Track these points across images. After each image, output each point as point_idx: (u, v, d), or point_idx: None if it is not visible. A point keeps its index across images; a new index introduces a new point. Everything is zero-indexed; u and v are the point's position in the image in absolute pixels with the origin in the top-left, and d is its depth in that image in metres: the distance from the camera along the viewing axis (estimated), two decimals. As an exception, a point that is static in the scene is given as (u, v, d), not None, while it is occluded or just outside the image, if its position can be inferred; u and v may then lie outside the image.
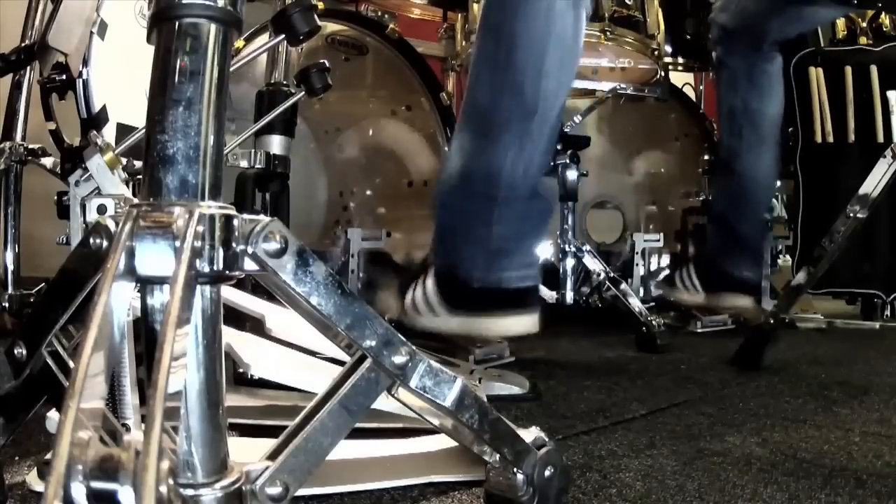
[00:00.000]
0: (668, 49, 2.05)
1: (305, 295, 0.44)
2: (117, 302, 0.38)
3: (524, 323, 1.10)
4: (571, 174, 1.74)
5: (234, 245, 0.41)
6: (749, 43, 1.65)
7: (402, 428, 0.75)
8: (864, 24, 2.10)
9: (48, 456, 0.51)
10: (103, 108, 1.30)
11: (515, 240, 1.11)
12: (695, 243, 2.12)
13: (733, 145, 1.73)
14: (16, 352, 0.49)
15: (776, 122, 1.70)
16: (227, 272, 0.41)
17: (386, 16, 2.00)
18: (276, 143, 1.26)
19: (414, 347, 0.48)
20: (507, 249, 1.10)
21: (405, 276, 1.28)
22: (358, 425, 0.47)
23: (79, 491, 0.31)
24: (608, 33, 1.67)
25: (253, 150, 1.23)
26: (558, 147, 1.73)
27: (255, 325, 0.88)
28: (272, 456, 0.43)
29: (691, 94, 2.49)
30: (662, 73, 2.00)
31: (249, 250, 0.42)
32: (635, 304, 1.63)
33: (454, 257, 1.12)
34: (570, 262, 1.80)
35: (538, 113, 1.09)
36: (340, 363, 0.52)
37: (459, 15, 1.97)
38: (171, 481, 0.31)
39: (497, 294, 1.09)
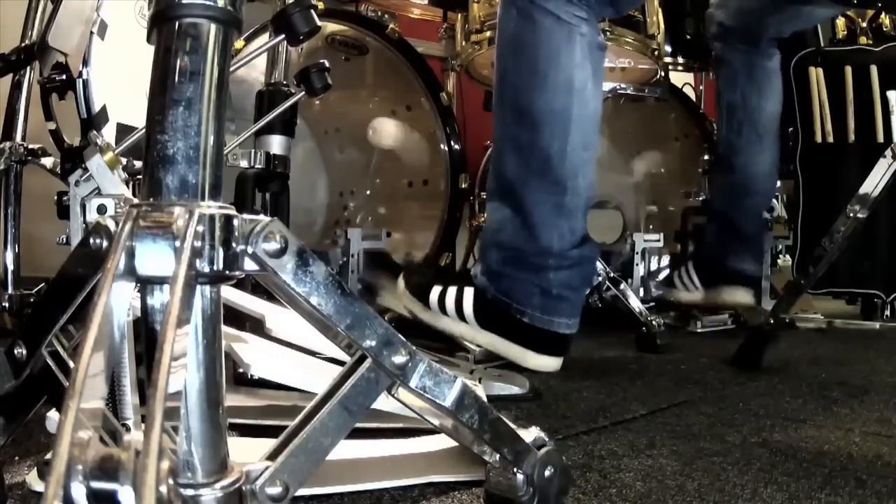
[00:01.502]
0: (668, 49, 2.05)
1: (305, 295, 0.44)
2: (117, 302, 0.38)
3: (553, 364, 1.18)
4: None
5: (234, 245, 0.41)
6: (747, 40, 1.66)
7: (402, 428, 0.75)
8: (864, 24, 2.10)
9: (48, 456, 0.51)
10: (103, 108, 1.30)
11: (567, 295, 1.17)
12: (695, 243, 2.12)
13: (733, 141, 1.73)
14: (16, 352, 0.49)
15: (775, 118, 1.70)
16: (227, 272, 0.41)
17: (386, 16, 2.00)
18: (276, 143, 1.26)
19: (414, 347, 0.48)
20: (559, 301, 1.16)
21: (412, 269, 1.30)
22: (358, 425, 0.47)
23: (79, 491, 0.31)
24: (608, 33, 1.67)
25: (253, 150, 1.23)
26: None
27: (255, 325, 0.88)
28: (272, 456, 0.43)
29: (691, 94, 2.49)
30: (662, 73, 2.00)
31: (249, 250, 0.42)
32: (635, 304, 1.63)
33: (506, 293, 1.17)
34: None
35: (569, 189, 1.14)
36: (340, 363, 0.52)
37: (459, 15, 1.97)
38: (171, 481, 0.31)
39: (542, 334, 1.16)
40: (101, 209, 0.74)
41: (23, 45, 1.42)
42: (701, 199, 2.15)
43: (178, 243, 0.38)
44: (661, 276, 2.02)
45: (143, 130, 0.43)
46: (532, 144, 1.13)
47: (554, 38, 1.11)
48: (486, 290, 1.18)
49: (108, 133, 1.30)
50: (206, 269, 0.39)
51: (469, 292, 1.20)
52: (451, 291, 1.22)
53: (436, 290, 1.23)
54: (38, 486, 0.60)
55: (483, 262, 1.21)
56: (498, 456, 0.55)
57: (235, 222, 0.41)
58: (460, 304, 1.20)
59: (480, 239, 1.30)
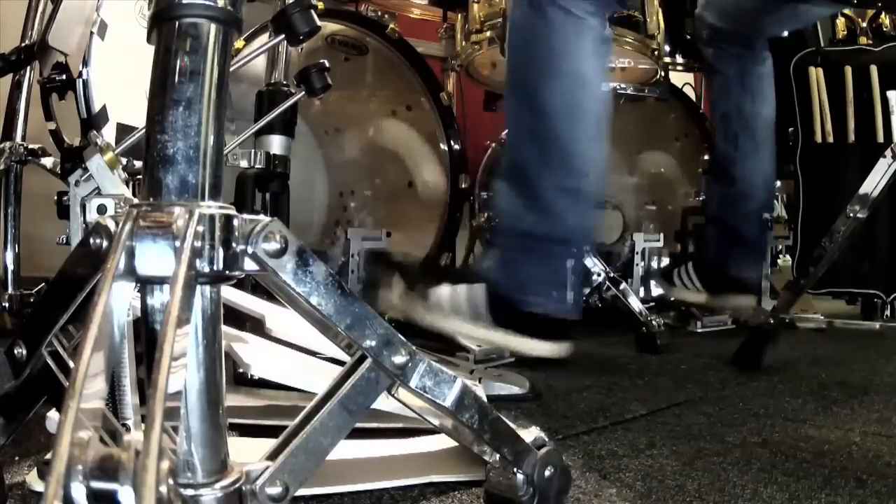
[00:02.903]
0: (668, 49, 2.05)
1: (305, 295, 0.44)
2: (117, 302, 0.38)
3: (562, 350, 1.20)
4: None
5: (234, 245, 0.41)
6: (740, 42, 1.65)
7: (402, 428, 0.75)
8: (864, 24, 2.10)
9: (48, 456, 0.51)
10: (103, 108, 1.31)
11: (573, 280, 1.19)
12: (695, 243, 2.12)
13: (729, 152, 1.73)
14: (16, 352, 0.49)
15: (770, 124, 1.70)
16: (227, 272, 0.41)
17: (386, 16, 2.00)
18: (276, 143, 1.26)
19: (414, 347, 0.48)
20: (567, 288, 1.18)
21: (408, 270, 1.30)
22: (358, 425, 0.47)
23: (79, 491, 0.31)
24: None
25: (253, 150, 1.23)
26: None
27: (255, 325, 0.88)
28: (272, 456, 0.43)
29: (691, 94, 2.49)
30: (662, 73, 2.00)
31: (249, 250, 0.42)
32: (635, 304, 1.63)
33: (517, 283, 1.17)
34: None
35: (584, 178, 1.17)
36: (340, 363, 0.52)
37: (459, 15, 1.97)
38: (171, 481, 0.31)
39: (555, 322, 1.17)
40: (101, 209, 0.74)
41: (23, 45, 1.42)
42: (701, 199, 2.15)
43: (178, 243, 0.38)
44: (661, 273, 2.02)
45: (143, 130, 0.43)
46: (548, 136, 1.15)
47: (564, 32, 1.13)
48: (497, 285, 1.19)
49: (108, 133, 1.30)
50: (206, 269, 0.39)
51: (480, 289, 1.20)
52: (462, 289, 1.21)
53: (443, 290, 1.22)
54: (38, 486, 0.60)
55: (494, 250, 1.23)
56: (498, 456, 0.55)
57: (235, 222, 0.41)
58: (475, 303, 1.20)
59: (487, 232, 1.31)
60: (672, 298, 1.91)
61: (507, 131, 1.25)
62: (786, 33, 1.76)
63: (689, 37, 2.12)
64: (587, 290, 1.81)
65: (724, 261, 1.76)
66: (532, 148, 1.18)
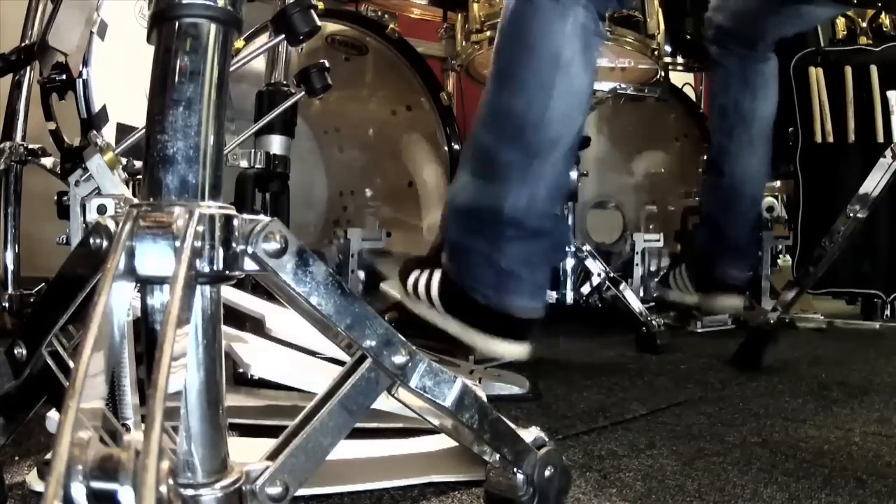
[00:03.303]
0: (668, 49, 2.04)
1: (305, 295, 0.44)
2: (117, 302, 0.38)
3: (516, 351, 1.11)
4: (571, 174, 1.74)
5: (234, 245, 0.41)
6: (745, 43, 1.65)
7: (402, 428, 0.75)
8: (864, 24, 2.10)
9: (48, 456, 0.51)
10: (103, 108, 1.30)
11: (523, 271, 1.11)
12: (687, 245, 2.12)
13: (723, 144, 1.72)
14: (16, 352, 0.49)
15: (768, 123, 1.70)
16: (227, 272, 0.41)
17: (386, 16, 2.00)
18: (276, 143, 1.26)
19: (414, 347, 0.48)
20: (514, 279, 1.10)
21: (412, 259, 1.29)
22: (358, 425, 0.47)
23: (79, 491, 0.31)
24: (608, 33, 1.67)
25: (253, 150, 1.23)
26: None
27: (255, 325, 0.88)
28: (272, 456, 0.43)
29: (691, 94, 2.49)
30: (662, 73, 1.99)
31: (249, 250, 0.42)
32: (635, 304, 1.63)
33: (463, 273, 1.13)
34: (570, 262, 1.80)
35: (538, 157, 1.10)
36: (340, 363, 0.52)
37: (459, 15, 1.97)
38: (171, 481, 0.31)
39: (498, 318, 1.10)
40: (101, 209, 0.74)
41: (23, 45, 1.42)
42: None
43: (178, 243, 0.38)
44: (659, 275, 2.02)
45: (143, 130, 0.43)
46: (510, 108, 1.11)
47: (546, 14, 1.11)
48: (448, 272, 1.14)
49: (108, 133, 1.30)
50: (206, 269, 0.39)
51: (437, 275, 1.16)
52: (424, 275, 1.19)
53: (413, 275, 1.22)
54: (38, 486, 0.60)
55: (446, 239, 1.18)
56: (498, 456, 0.55)
57: (235, 222, 0.41)
58: (429, 289, 1.17)
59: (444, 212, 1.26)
60: (667, 299, 1.91)
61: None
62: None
63: (689, 37, 2.12)
64: (587, 290, 1.81)
65: (712, 259, 1.75)
66: (493, 123, 1.13)
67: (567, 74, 1.11)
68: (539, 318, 1.14)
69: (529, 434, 0.57)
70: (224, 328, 0.41)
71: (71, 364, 0.46)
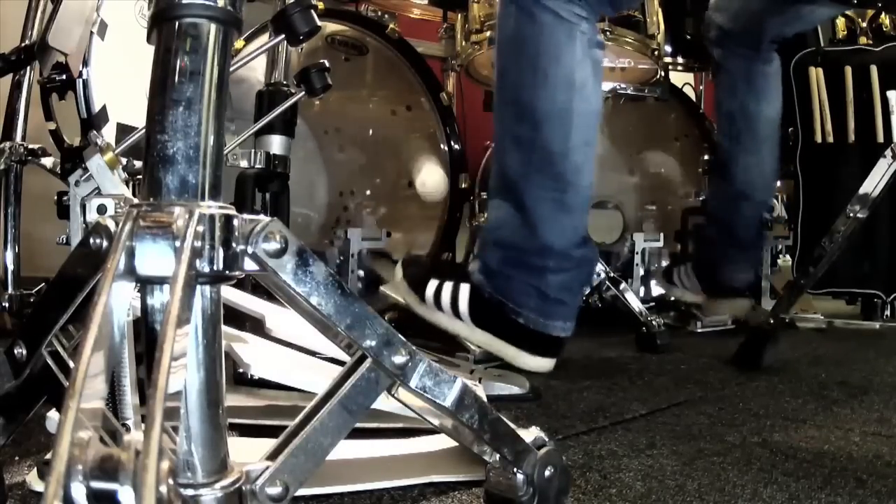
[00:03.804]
0: (668, 49, 2.04)
1: (305, 295, 0.44)
2: (117, 302, 0.38)
3: (546, 365, 1.17)
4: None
5: (234, 245, 0.41)
6: (747, 43, 1.65)
7: (402, 428, 0.75)
8: (864, 24, 2.10)
9: (48, 456, 0.51)
10: (103, 108, 1.30)
11: (566, 296, 1.16)
12: (694, 243, 2.12)
13: (731, 149, 1.73)
14: (16, 352, 0.49)
15: (774, 124, 1.70)
16: (227, 272, 0.41)
17: (386, 16, 2.00)
18: (276, 143, 1.26)
19: (414, 347, 0.48)
20: (557, 304, 1.15)
21: (410, 259, 1.29)
22: (358, 425, 0.47)
23: (79, 491, 0.31)
24: (608, 33, 1.67)
25: (253, 150, 1.23)
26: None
27: (255, 325, 0.88)
28: (272, 456, 0.43)
29: (691, 94, 2.49)
30: (662, 73, 2.00)
31: (249, 250, 0.42)
32: (635, 304, 1.63)
33: (505, 295, 1.16)
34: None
35: (570, 186, 1.13)
36: (340, 363, 0.52)
37: (459, 15, 1.97)
38: (171, 481, 0.31)
39: (537, 336, 1.15)
40: (101, 209, 0.74)
41: (23, 45, 1.42)
42: (701, 199, 2.15)
43: (178, 243, 0.38)
44: (662, 272, 2.02)
45: (143, 130, 0.43)
46: (534, 141, 1.13)
47: (554, 36, 1.11)
48: (482, 289, 1.17)
49: (108, 133, 1.30)
50: (206, 269, 0.39)
51: (465, 289, 1.19)
52: (448, 287, 1.21)
53: (432, 285, 1.22)
54: (38, 486, 0.60)
55: (481, 260, 1.20)
56: (498, 456, 0.55)
57: (235, 222, 0.41)
58: (456, 301, 1.19)
59: (480, 237, 1.28)
60: (671, 298, 1.91)
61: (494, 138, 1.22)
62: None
63: (689, 37, 2.12)
64: (587, 290, 1.81)
65: (720, 263, 1.76)
66: (517, 155, 1.15)
67: (583, 98, 1.12)
68: (569, 336, 1.19)
69: (529, 434, 0.57)
70: (224, 328, 0.41)
71: (71, 364, 0.46)
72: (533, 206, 1.13)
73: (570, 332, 1.18)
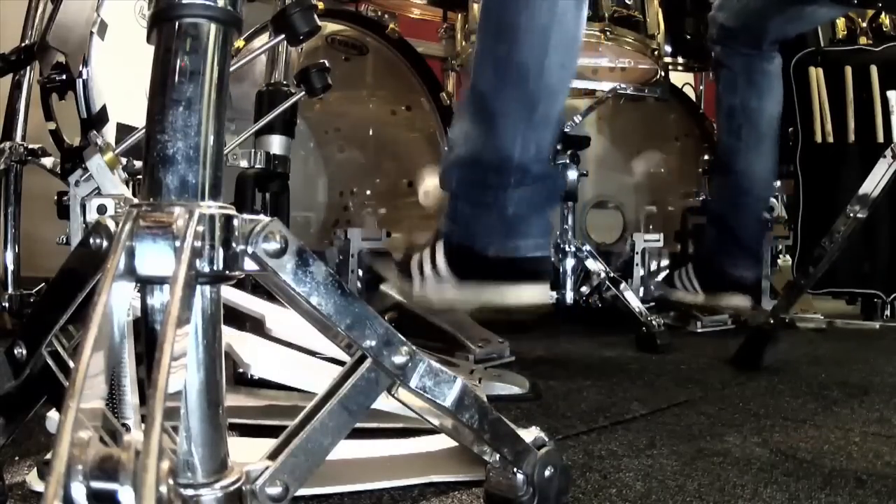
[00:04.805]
0: (668, 49, 2.05)
1: (305, 295, 0.44)
2: (117, 302, 0.38)
3: (537, 292, 1.12)
4: (571, 174, 1.74)
5: (234, 245, 0.41)
6: (748, 42, 1.65)
7: (402, 428, 0.75)
8: (864, 24, 2.10)
9: (48, 456, 0.51)
10: (103, 108, 1.30)
11: (529, 214, 1.12)
12: (695, 243, 2.12)
13: (731, 144, 1.73)
14: (16, 352, 0.49)
15: (775, 121, 1.70)
16: (227, 272, 0.41)
17: (386, 16, 2.00)
18: (276, 143, 1.26)
19: (414, 347, 0.48)
20: (521, 223, 1.11)
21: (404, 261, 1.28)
22: (358, 425, 0.47)
23: (79, 491, 0.31)
24: (608, 33, 1.67)
25: (253, 150, 1.23)
26: (558, 147, 1.73)
27: (255, 325, 0.88)
28: (272, 456, 0.43)
29: (691, 94, 2.49)
30: (662, 73, 2.00)
31: (249, 250, 0.42)
32: (635, 304, 1.63)
33: (468, 230, 1.12)
34: (570, 262, 1.80)
35: (541, 105, 1.11)
36: (340, 363, 0.52)
37: (459, 15, 1.97)
38: (171, 481, 0.31)
39: (512, 263, 1.11)
40: (101, 209, 0.74)
41: (23, 45, 1.43)
42: (701, 199, 2.15)
43: (178, 243, 0.38)
44: (662, 275, 2.02)
45: (143, 130, 0.43)
46: (509, 57, 1.11)
47: None
48: (451, 237, 1.14)
49: (108, 133, 1.30)
50: (206, 269, 0.39)
51: (440, 247, 1.15)
52: (426, 252, 1.17)
53: (414, 259, 1.21)
54: (38, 486, 0.60)
55: (443, 187, 1.18)
56: (498, 456, 0.55)
57: (235, 222, 0.41)
58: (435, 262, 1.15)
59: (441, 162, 1.25)
60: (672, 299, 1.91)
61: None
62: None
63: (689, 37, 2.12)
64: (587, 290, 1.82)
65: (721, 260, 1.75)
66: (492, 71, 1.13)
67: (562, 24, 1.11)
68: (549, 256, 1.15)
69: (529, 434, 0.57)
70: (224, 328, 0.41)
71: (71, 364, 0.46)
72: (499, 118, 1.11)
73: (546, 250, 1.16)
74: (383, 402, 0.49)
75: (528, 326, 1.69)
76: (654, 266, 2.01)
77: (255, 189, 1.23)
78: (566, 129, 1.85)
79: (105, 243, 0.42)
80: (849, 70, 1.75)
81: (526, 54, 1.11)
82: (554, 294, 1.79)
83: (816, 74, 1.79)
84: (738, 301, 1.74)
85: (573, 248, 1.79)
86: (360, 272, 1.63)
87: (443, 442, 0.72)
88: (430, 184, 1.96)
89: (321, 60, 1.20)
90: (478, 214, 1.12)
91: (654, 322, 1.55)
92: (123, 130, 1.29)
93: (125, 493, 0.31)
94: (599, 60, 1.90)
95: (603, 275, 1.71)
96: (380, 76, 1.99)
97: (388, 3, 2.17)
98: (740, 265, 1.73)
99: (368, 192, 2.01)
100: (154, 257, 0.39)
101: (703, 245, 1.97)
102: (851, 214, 1.27)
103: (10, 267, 1.44)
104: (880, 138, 1.69)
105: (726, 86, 1.73)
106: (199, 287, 0.39)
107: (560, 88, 1.14)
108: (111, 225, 0.42)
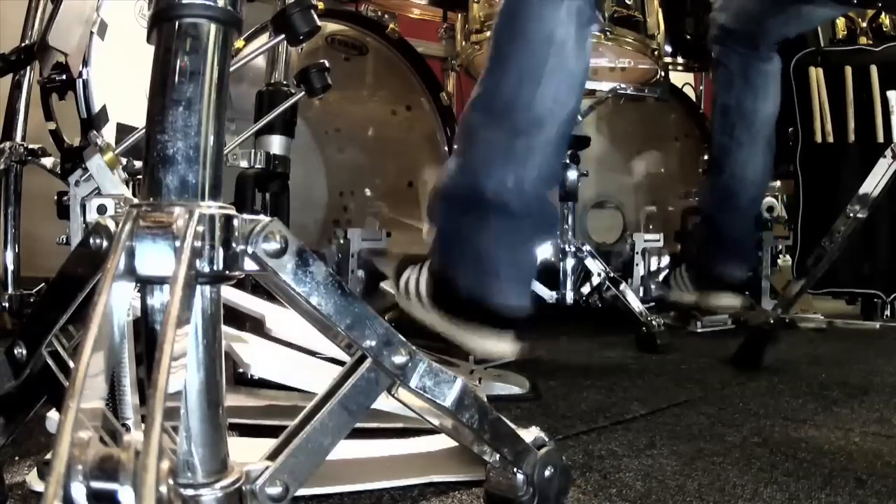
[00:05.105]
0: (668, 49, 2.05)
1: (305, 295, 0.44)
2: (117, 302, 0.38)
3: (502, 346, 1.04)
4: (571, 174, 1.74)
5: (234, 245, 0.41)
6: (748, 43, 1.65)
7: (402, 428, 0.75)
8: (864, 24, 2.10)
9: (48, 456, 0.51)
10: (103, 108, 1.30)
11: (506, 255, 1.06)
12: (687, 242, 2.12)
13: (724, 143, 1.72)
14: (16, 352, 0.49)
15: (770, 123, 1.70)
16: (227, 272, 0.41)
17: (386, 16, 2.00)
18: (276, 143, 1.26)
19: (414, 347, 0.48)
20: (497, 263, 1.05)
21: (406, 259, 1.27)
22: (358, 425, 0.47)
23: (79, 491, 0.31)
24: (608, 33, 1.67)
25: (253, 150, 1.23)
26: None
27: (255, 325, 0.88)
28: (272, 456, 0.43)
29: (691, 94, 2.49)
30: (662, 73, 2.00)
31: (249, 250, 0.42)
32: (635, 304, 1.63)
33: (448, 263, 1.08)
34: (570, 262, 1.80)
35: (524, 138, 1.06)
36: (340, 363, 0.52)
37: (459, 15, 1.97)
38: (171, 481, 0.31)
39: (479, 307, 1.03)
40: (101, 209, 0.74)
41: (23, 45, 1.42)
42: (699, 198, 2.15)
43: (178, 243, 0.38)
44: (662, 275, 2.02)
45: (143, 130, 0.43)
46: (499, 89, 1.08)
47: (544, 4, 1.10)
48: (433, 265, 1.09)
49: (108, 133, 1.30)
50: (206, 269, 0.39)
51: (425, 270, 1.12)
52: (415, 271, 1.14)
53: (406, 273, 1.18)
54: (38, 486, 0.60)
55: (436, 233, 1.13)
56: (498, 456, 0.55)
57: (235, 222, 0.41)
58: (418, 284, 1.12)
59: (429, 196, 1.22)
60: (668, 300, 1.90)
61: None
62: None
63: (689, 37, 2.12)
64: (587, 290, 1.81)
65: (709, 257, 1.75)
66: (484, 103, 1.10)
67: (560, 54, 1.08)
68: (525, 314, 1.06)
69: (529, 434, 0.57)
70: (224, 328, 0.41)
71: (71, 364, 0.46)
72: (483, 149, 1.07)
73: (523, 299, 1.06)
74: (383, 402, 0.49)
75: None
76: (654, 266, 2.01)
77: (255, 189, 1.23)
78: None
79: (105, 243, 0.42)
80: (849, 70, 1.75)
81: (515, 84, 1.07)
82: (554, 294, 1.79)
83: (816, 74, 1.79)
84: (729, 300, 1.74)
85: (573, 248, 1.79)
86: (361, 272, 1.62)
87: (443, 442, 0.72)
88: (430, 184, 1.96)
89: (321, 60, 1.20)
90: (455, 249, 1.07)
91: (654, 322, 1.55)
92: (123, 130, 1.29)
93: (125, 493, 0.31)
94: (599, 60, 1.90)
95: (603, 275, 1.71)
96: (380, 76, 1.99)
97: (388, 3, 2.17)
98: (729, 264, 1.73)
99: (368, 193, 2.01)
100: (154, 257, 0.39)
101: (693, 240, 1.97)
102: (851, 214, 1.27)
103: (10, 267, 1.44)
104: (880, 138, 1.69)
105: (722, 84, 1.73)
106: (199, 287, 0.39)
107: (549, 123, 1.07)
108: (111, 225, 0.42)
